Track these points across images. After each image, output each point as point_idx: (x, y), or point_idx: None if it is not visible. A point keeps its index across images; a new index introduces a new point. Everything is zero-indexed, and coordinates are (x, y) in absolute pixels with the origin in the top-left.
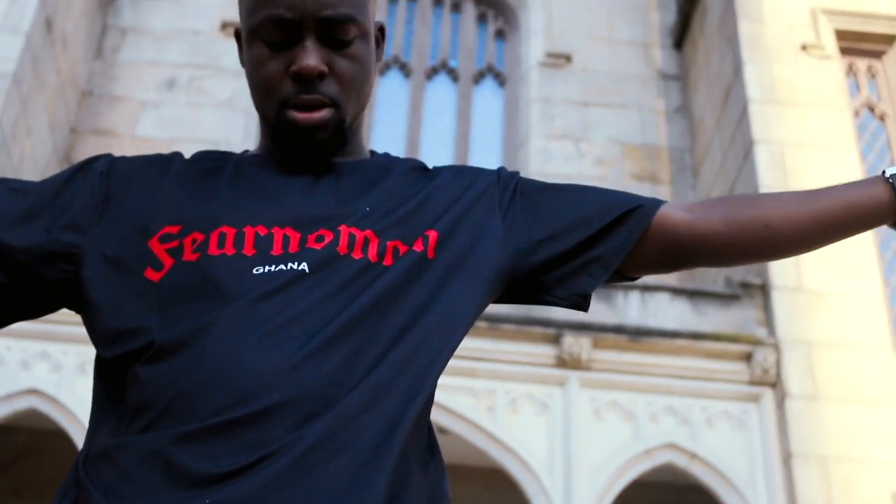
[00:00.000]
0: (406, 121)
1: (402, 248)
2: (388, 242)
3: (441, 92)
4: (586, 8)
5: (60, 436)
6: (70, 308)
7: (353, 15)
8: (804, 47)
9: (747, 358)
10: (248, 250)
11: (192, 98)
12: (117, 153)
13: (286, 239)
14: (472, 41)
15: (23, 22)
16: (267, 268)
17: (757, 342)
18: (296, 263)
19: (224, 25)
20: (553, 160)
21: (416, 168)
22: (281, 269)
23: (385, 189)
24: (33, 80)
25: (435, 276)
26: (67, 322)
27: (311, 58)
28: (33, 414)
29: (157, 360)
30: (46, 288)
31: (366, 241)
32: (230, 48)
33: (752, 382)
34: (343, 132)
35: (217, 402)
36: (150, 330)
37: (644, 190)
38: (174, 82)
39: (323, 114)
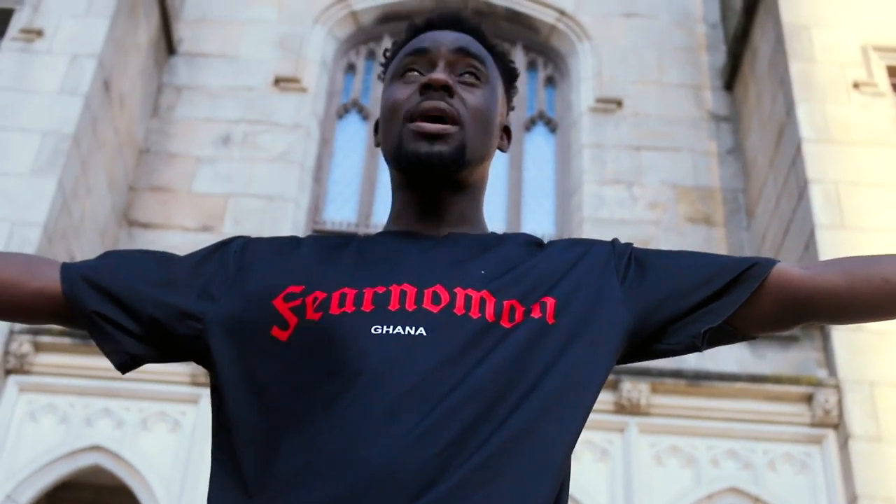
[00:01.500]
0: None
1: (520, 309)
2: (504, 302)
3: None
4: (636, 53)
5: (124, 492)
6: (201, 364)
7: (482, 57)
8: (856, 85)
9: (808, 399)
10: (367, 307)
11: (247, 153)
12: (174, 209)
13: (403, 294)
14: (523, 89)
15: (81, 84)
16: (385, 328)
17: (817, 383)
18: (413, 328)
19: (277, 81)
20: (606, 205)
21: (529, 241)
22: (398, 333)
23: (499, 254)
24: (92, 140)
25: (556, 343)
26: (129, 378)
27: (440, 73)
28: (97, 470)
29: (288, 430)
30: (176, 342)
31: (482, 301)
32: (283, 103)
33: (814, 424)
34: (464, 156)
35: (340, 478)
36: (283, 396)
37: (698, 232)
38: (229, 138)
39: (446, 127)
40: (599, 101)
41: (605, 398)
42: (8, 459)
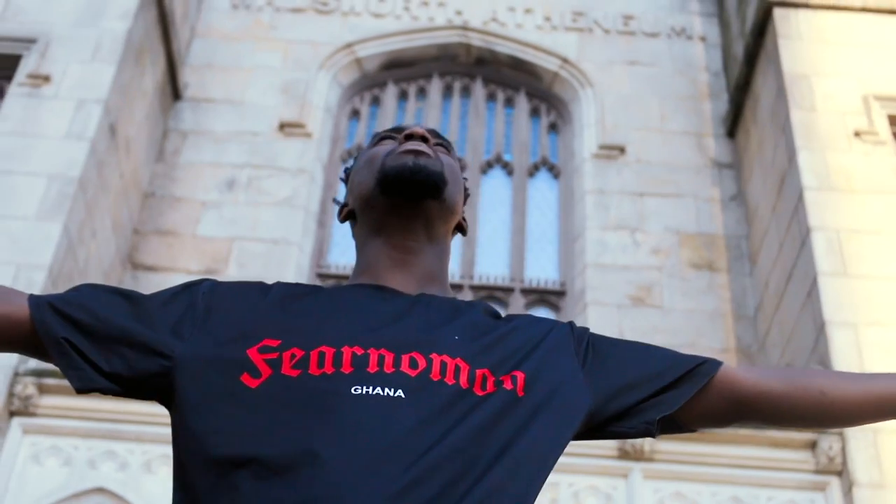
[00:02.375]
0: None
1: (491, 379)
2: (477, 370)
3: (496, 185)
4: (638, 100)
5: None
6: (161, 402)
7: (445, 142)
8: (857, 134)
9: (812, 446)
10: (346, 368)
11: (252, 197)
12: (178, 252)
13: (381, 358)
14: (526, 135)
15: (88, 129)
16: (364, 389)
17: (821, 430)
18: (392, 390)
19: (281, 126)
20: (609, 251)
21: (491, 311)
22: (378, 394)
23: (468, 320)
24: (98, 184)
25: (524, 413)
26: (133, 421)
27: (419, 128)
28: None
29: (260, 478)
30: (141, 378)
31: (457, 369)
32: (288, 148)
33: (818, 471)
34: (444, 178)
35: None
36: (246, 438)
37: (702, 278)
38: (234, 182)
39: (429, 151)
40: (602, 147)
41: (609, 444)
42: (11, 501)
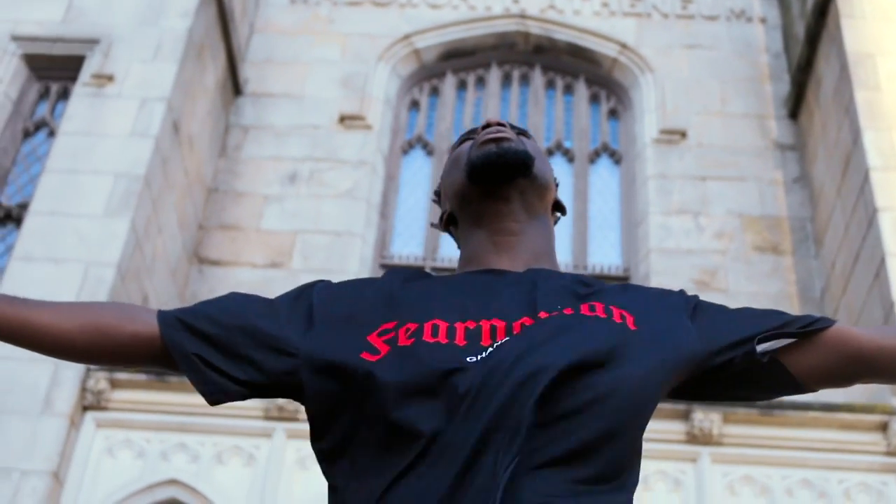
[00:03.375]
0: None
1: (600, 306)
2: (583, 305)
3: (558, 172)
4: (699, 84)
5: None
6: (297, 399)
7: (525, 131)
8: None
9: (883, 428)
10: (461, 341)
11: (314, 190)
12: (243, 246)
13: (493, 329)
14: (586, 121)
15: (152, 127)
16: (480, 357)
17: (892, 412)
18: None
19: (342, 118)
20: (673, 235)
21: (600, 280)
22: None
23: (573, 287)
24: (163, 180)
25: (637, 343)
26: (203, 413)
27: (496, 118)
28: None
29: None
30: (271, 379)
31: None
32: (349, 141)
33: (890, 453)
34: (531, 157)
35: None
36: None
37: (766, 261)
38: (295, 176)
39: (510, 134)
40: (663, 132)
41: (676, 428)
42: (87, 494)
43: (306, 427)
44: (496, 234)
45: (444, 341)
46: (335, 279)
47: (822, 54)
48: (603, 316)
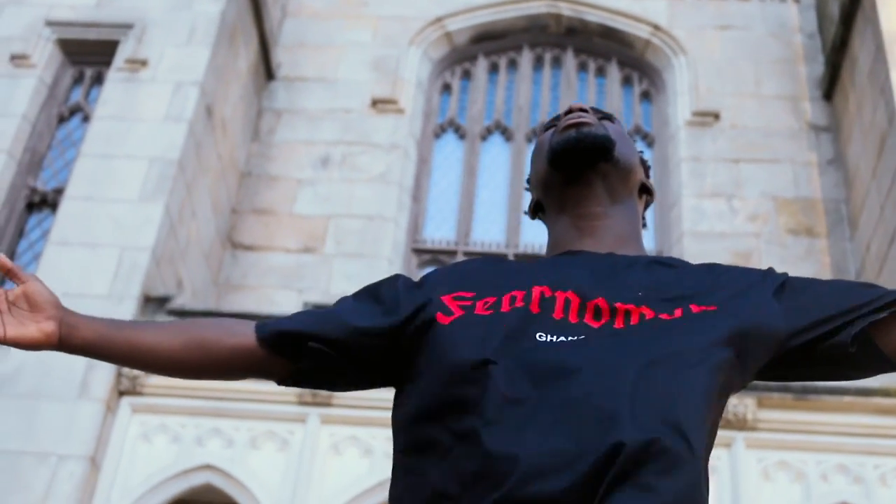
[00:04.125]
0: None
1: (679, 308)
2: (661, 315)
3: None
4: (732, 65)
5: None
6: (391, 384)
7: (610, 114)
8: None
9: None
10: (534, 308)
11: (346, 174)
12: (276, 231)
13: (567, 302)
14: (619, 104)
15: (185, 111)
16: (549, 337)
17: None
18: (574, 335)
19: (374, 102)
20: (706, 218)
21: (681, 261)
22: (562, 341)
23: (659, 275)
24: (197, 165)
25: (714, 330)
26: (238, 399)
27: (578, 103)
28: (208, 489)
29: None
30: (374, 365)
31: (641, 316)
32: (381, 125)
33: None
34: (612, 140)
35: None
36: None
37: (800, 244)
38: (328, 160)
39: (590, 119)
40: (696, 114)
41: None
42: (123, 479)
43: (340, 412)
44: (579, 219)
45: (520, 305)
46: (368, 263)
47: (857, 34)
48: (679, 315)
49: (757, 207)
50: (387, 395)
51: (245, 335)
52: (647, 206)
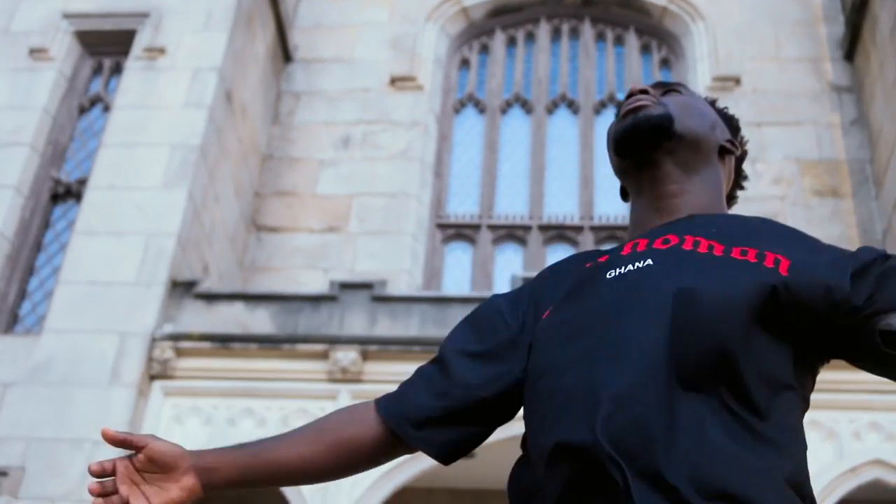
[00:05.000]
0: (578, 158)
1: (752, 251)
2: (734, 248)
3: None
4: (751, 29)
5: (269, 488)
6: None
7: (681, 84)
8: None
9: None
10: (603, 258)
11: (368, 153)
12: (300, 212)
13: (635, 245)
14: (638, 72)
15: (205, 96)
16: (617, 270)
17: None
18: (641, 261)
19: (392, 80)
20: None
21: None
22: (629, 269)
23: (730, 225)
24: (218, 150)
25: (785, 292)
26: (269, 378)
27: (639, 85)
28: None
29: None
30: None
31: (710, 247)
32: (400, 102)
33: None
34: (671, 119)
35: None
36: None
37: (826, 205)
38: (349, 139)
39: (647, 99)
40: (717, 79)
41: None
42: None
43: (371, 388)
44: (657, 199)
45: (589, 265)
46: (392, 241)
47: None
48: (753, 261)
49: (781, 170)
50: (414, 369)
51: (373, 426)
52: (739, 163)
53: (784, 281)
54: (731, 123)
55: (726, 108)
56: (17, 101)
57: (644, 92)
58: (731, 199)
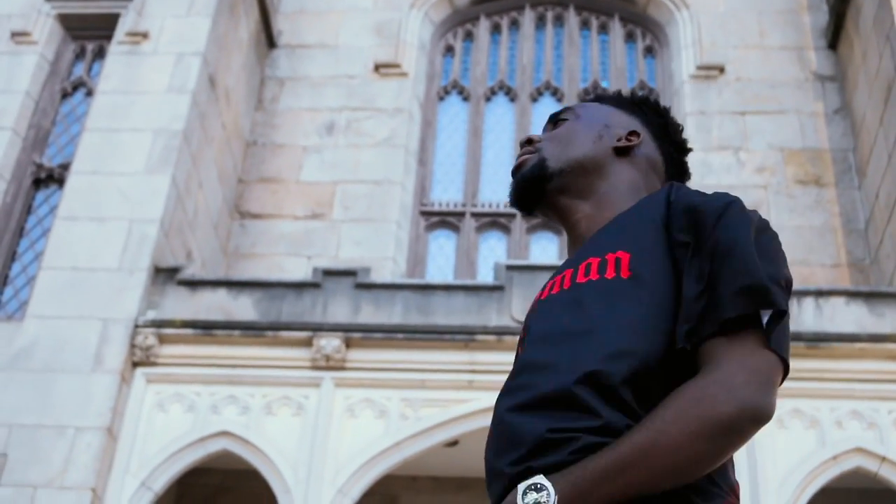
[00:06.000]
0: None
1: (595, 263)
2: (592, 259)
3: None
4: (735, 17)
5: (252, 475)
6: None
7: (569, 109)
8: None
9: None
10: (543, 294)
11: (352, 140)
12: (283, 199)
13: (552, 287)
14: (622, 60)
15: (188, 81)
16: (529, 327)
17: None
18: (534, 321)
19: (377, 67)
20: (713, 172)
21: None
22: (550, 296)
23: (608, 231)
24: (201, 135)
25: (622, 288)
26: (252, 366)
27: (525, 137)
28: (225, 455)
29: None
30: None
31: (587, 266)
32: (384, 89)
33: None
34: (546, 168)
35: None
36: None
37: (809, 194)
38: (333, 126)
39: (524, 154)
40: (701, 68)
41: None
42: (140, 448)
43: (354, 376)
44: (570, 232)
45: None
46: (376, 228)
47: None
48: (595, 277)
49: (764, 159)
50: (398, 356)
51: None
52: (671, 139)
53: None
54: (644, 108)
55: (642, 93)
56: None
57: (529, 141)
58: (680, 176)
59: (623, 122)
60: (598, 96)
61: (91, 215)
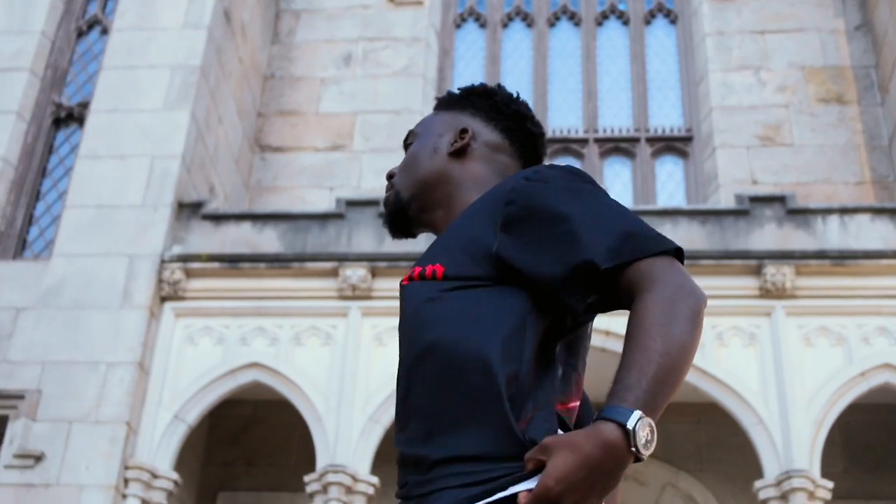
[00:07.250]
0: (581, 71)
1: (417, 270)
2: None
3: (613, 36)
4: None
5: (283, 405)
6: None
7: (412, 132)
8: None
9: None
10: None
11: (370, 70)
12: (303, 131)
13: (412, 273)
14: None
15: (203, 16)
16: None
17: None
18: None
19: None
20: (734, 92)
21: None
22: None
23: (441, 237)
24: (219, 70)
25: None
26: (280, 297)
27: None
28: (256, 386)
29: None
30: None
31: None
32: (400, 18)
33: None
34: (401, 200)
35: None
36: None
37: (831, 112)
38: (350, 57)
39: (386, 195)
40: None
41: (748, 283)
42: (172, 381)
43: (381, 304)
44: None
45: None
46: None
47: None
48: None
49: (785, 78)
50: None
51: None
52: (465, 148)
53: None
54: (472, 97)
55: (481, 85)
56: (15, 25)
57: (389, 177)
58: (532, 141)
59: (454, 123)
60: (437, 103)
61: (112, 153)
